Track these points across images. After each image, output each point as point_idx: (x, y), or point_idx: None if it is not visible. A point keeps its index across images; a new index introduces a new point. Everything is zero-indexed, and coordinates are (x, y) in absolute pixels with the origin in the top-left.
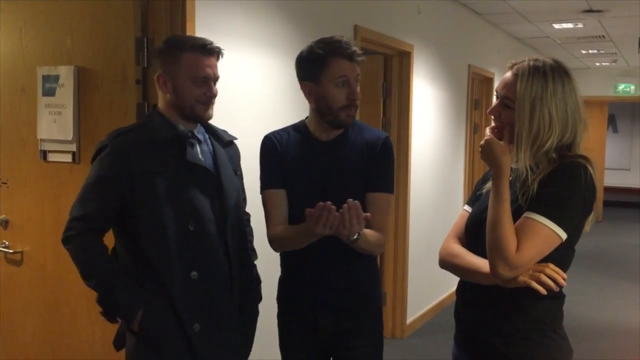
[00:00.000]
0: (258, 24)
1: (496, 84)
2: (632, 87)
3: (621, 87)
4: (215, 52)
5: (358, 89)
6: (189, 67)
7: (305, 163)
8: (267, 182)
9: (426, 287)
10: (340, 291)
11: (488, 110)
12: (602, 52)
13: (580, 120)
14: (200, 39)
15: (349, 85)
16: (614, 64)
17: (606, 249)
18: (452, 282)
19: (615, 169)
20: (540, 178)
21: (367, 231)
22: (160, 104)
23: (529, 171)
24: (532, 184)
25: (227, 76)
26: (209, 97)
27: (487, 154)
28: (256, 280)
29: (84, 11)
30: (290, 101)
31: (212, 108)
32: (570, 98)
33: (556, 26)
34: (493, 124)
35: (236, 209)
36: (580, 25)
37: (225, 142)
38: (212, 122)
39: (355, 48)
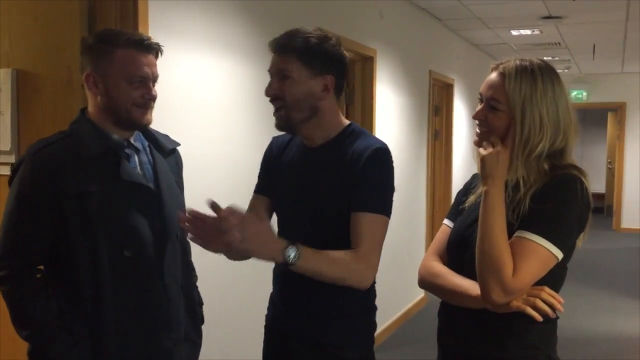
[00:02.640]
0: (218, 25)
1: (456, 90)
2: (584, 94)
3: (574, 93)
4: (154, 49)
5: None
6: (124, 65)
7: (289, 169)
8: (255, 186)
9: (391, 298)
10: (314, 319)
11: (473, 114)
12: (556, 59)
13: (571, 124)
14: (137, 34)
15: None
16: (566, 70)
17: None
18: (416, 292)
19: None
20: (532, 192)
21: (331, 253)
22: (90, 107)
23: (521, 182)
24: (524, 198)
25: (183, 80)
26: (148, 100)
27: (492, 165)
28: (197, 303)
29: (25, 9)
30: (253, 106)
31: (151, 112)
32: (561, 99)
33: (514, 32)
34: (478, 130)
35: (179, 229)
36: (537, 32)
37: (167, 151)
38: (157, 127)
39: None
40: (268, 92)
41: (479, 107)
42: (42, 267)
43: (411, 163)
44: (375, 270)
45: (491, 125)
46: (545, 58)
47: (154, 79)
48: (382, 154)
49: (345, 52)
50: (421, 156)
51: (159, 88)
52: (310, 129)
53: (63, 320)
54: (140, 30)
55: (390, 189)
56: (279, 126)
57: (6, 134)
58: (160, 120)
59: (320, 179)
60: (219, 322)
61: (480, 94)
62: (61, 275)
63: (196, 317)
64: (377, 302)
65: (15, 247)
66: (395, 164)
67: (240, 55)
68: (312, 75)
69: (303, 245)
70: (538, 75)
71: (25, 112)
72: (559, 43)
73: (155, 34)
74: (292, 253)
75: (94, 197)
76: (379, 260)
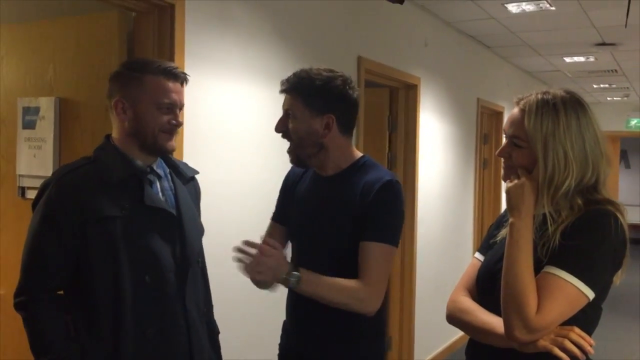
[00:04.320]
0: (253, 54)
1: (506, 118)
2: None
3: (633, 122)
4: (181, 78)
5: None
6: (154, 91)
7: (302, 199)
8: (273, 214)
9: (434, 330)
10: (326, 344)
11: (497, 151)
12: (613, 86)
13: (601, 156)
14: (165, 62)
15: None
16: (625, 98)
17: (619, 288)
18: None
19: (627, 205)
20: (562, 228)
21: (336, 279)
22: (115, 133)
23: (550, 218)
24: (554, 234)
25: (218, 107)
26: (174, 126)
27: (517, 197)
28: (216, 331)
29: (68, 39)
30: None
31: (175, 139)
32: (588, 132)
33: (567, 59)
34: (504, 165)
35: (200, 255)
36: (592, 59)
37: (186, 178)
38: (193, 154)
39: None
40: (276, 129)
41: (504, 143)
42: (61, 292)
43: (457, 192)
44: (381, 298)
45: (516, 163)
46: (602, 85)
47: (181, 106)
48: (393, 186)
49: (352, 90)
50: (468, 185)
51: (194, 115)
52: (320, 162)
53: (82, 346)
54: (177, 58)
55: (400, 220)
56: (291, 161)
57: (48, 160)
58: (195, 147)
59: (331, 207)
60: (236, 350)
61: (504, 130)
62: (81, 301)
63: (216, 345)
64: (420, 334)
65: (37, 271)
66: (439, 193)
67: (276, 83)
68: (313, 115)
69: (306, 270)
70: (561, 109)
71: (66, 138)
72: (616, 70)
73: (191, 62)
74: (292, 279)
75: (118, 222)
76: (384, 288)
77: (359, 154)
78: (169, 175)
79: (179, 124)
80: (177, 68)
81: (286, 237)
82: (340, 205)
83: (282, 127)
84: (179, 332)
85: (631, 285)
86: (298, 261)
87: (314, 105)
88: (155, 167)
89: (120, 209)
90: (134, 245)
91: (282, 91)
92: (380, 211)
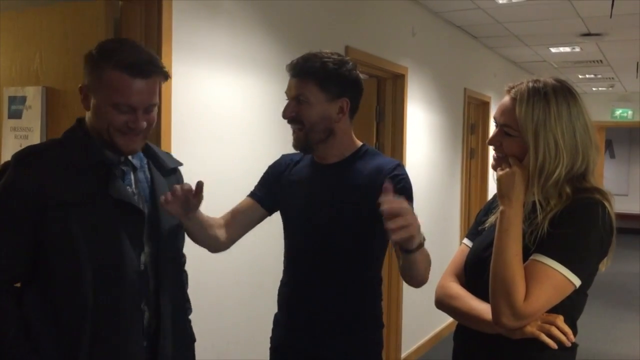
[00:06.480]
0: (242, 43)
1: (493, 108)
2: (630, 112)
3: (618, 112)
4: (153, 73)
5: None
6: (110, 89)
7: (302, 185)
8: (253, 192)
9: (422, 318)
10: (321, 336)
11: (487, 140)
12: (599, 76)
13: (591, 145)
14: (136, 53)
15: None
16: (611, 89)
17: (604, 276)
18: None
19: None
20: (551, 216)
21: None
22: (87, 117)
23: (538, 206)
24: (542, 222)
25: (206, 96)
26: (131, 129)
27: (507, 185)
28: (190, 339)
29: (55, 28)
30: (277, 123)
31: (141, 140)
32: (578, 121)
33: (553, 50)
34: (494, 155)
35: (174, 253)
36: (577, 49)
37: (167, 170)
38: (181, 143)
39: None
40: (285, 115)
41: (494, 132)
42: (23, 277)
43: (444, 181)
44: None
45: (507, 151)
46: (587, 76)
47: (147, 107)
48: (403, 169)
49: (360, 75)
50: (455, 175)
51: (182, 105)
52: (327, 149)
53: (36, 342)
54: (164, 47)
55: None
56: (296, 146)
57: None
58: (183, 136)
59: (338, 192)
60: (225, 343)
61: (495, 119)
62: (40, 294)
63: (189, 354)
64: (408, 323)
65: None
66: (426, 182)
67: (265, 72)
68: (328, 99)
69: None
70: (552, 98)
71: (53, 128)
72: (601, 60)
73: (178, 51)
74: (424, 238)
75: (79, 209)
76: None
77: (359, 142)
78: (146, 166)
79: (138, 128)
80: (151, 62)
81: (259, 218)
82: (348, 189)
83: (292, 113)
84: (138, 335)
85: (630, 275)
86: (295, 245)
87: (330, 90)
88: (130, 157)
89: (82, 196)
90: (96, 239)
91: (293, 75)
92: (404, 194)
